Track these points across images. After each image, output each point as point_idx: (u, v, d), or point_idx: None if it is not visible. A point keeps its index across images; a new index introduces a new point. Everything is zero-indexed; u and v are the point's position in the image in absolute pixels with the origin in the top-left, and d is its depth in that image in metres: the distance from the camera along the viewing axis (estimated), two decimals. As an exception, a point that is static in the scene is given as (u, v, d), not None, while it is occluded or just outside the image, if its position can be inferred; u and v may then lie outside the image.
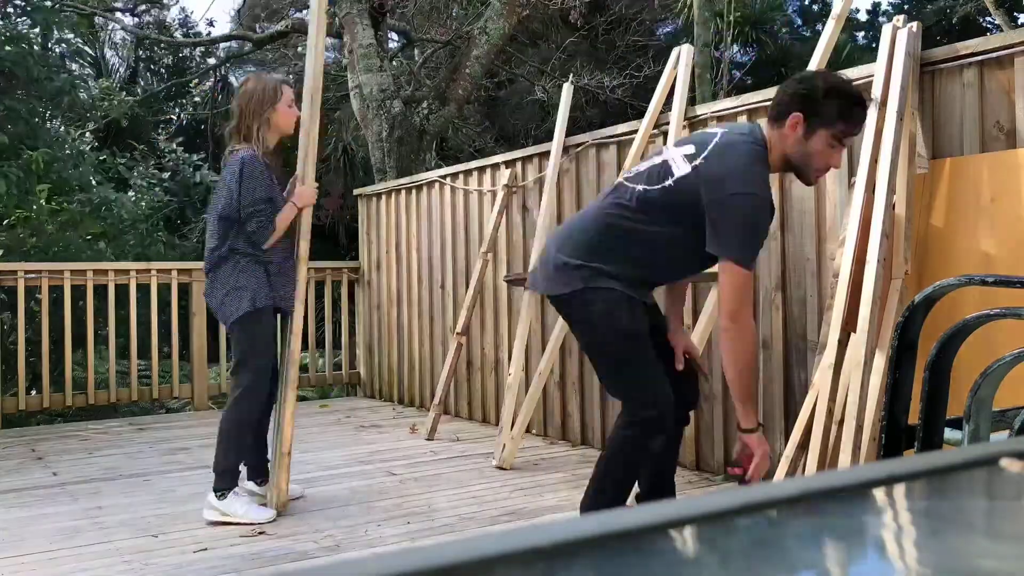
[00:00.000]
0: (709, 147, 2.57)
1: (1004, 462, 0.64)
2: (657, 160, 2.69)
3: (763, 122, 2.68)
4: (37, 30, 7.94)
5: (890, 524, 0.57)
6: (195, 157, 9.54)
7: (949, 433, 1.73)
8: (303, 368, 7.42)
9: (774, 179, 3.45)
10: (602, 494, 2.77)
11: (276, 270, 3.52)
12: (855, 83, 3.44)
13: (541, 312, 5.08)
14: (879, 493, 0.60)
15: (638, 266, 2.67)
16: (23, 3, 7.37)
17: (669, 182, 2.58)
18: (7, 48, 7.02)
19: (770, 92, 3.78)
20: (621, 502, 2.78)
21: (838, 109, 2.51)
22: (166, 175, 9.16)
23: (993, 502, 0.62)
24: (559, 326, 4.46)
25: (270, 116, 3.50)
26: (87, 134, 9.74)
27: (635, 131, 4.42)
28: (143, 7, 13.47)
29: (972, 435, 1.60)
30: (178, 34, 14.18)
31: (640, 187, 2.65)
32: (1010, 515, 0.59)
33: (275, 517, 3.43)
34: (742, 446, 2.67)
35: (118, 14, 13.33)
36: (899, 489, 0.61)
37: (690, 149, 2.61)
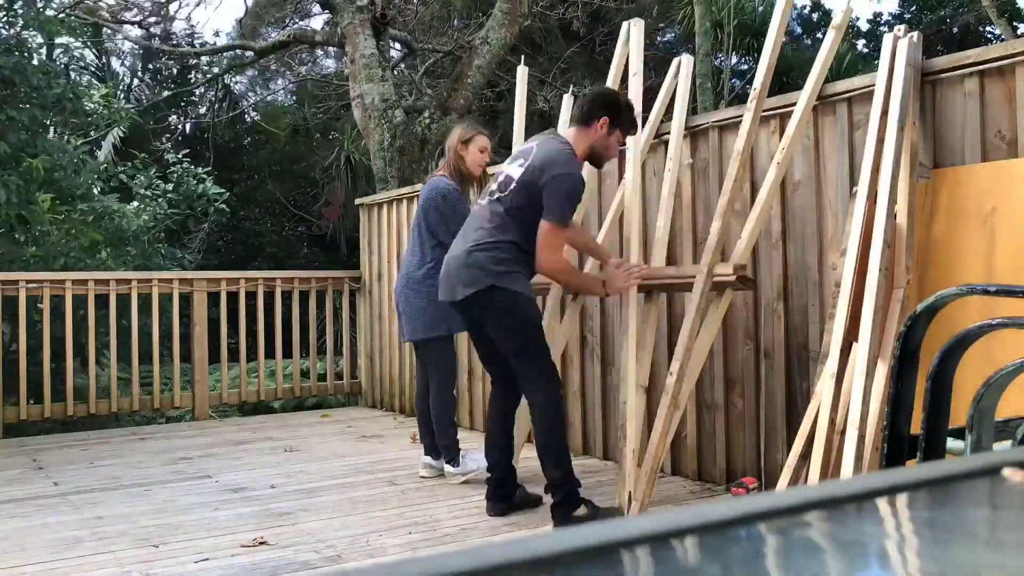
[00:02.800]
0: (532, 154, 3.43)
1: (1006, 472, 0.64)
2: (500, 177, 3.51)
3: (572, 129, 3.52)
4: (39, 39, 7.98)
5: (892, 534, 0.57)
6: (200, 170, 9.56)
7: (951, 443, 1.72)
8: (303, 376, 7.42)
9: (776, 195, 3.52)
10: (552, 451, 3.45)
11: None
12: (856, 93, 3.47)
13: (542, 322, 5.07)
14: (881, 503, 0.60)
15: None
16: (24, 11, 7.39)
17: (513, 185, 3.41)
18: (7, 57, 7.04)
19: (772, 101, 3.80)
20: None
21: (630, 118, 3.54)
22: (169, 186, 9.17)
23: (996, 512, 0.62)
24: (560, 336, 4.46)
25: (463, 156, 4.25)
26: (92, 145, 9.77)
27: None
28: (152, 19, 13.53)
29: (974, 445, 1.59)
30: (183, 44, 14.22)
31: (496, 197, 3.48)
32: (1012, 525, 0.58)
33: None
34: (613, 283, 3.62)
35: (125, 26, 13.39)
36: (901, 499, 0.61)
37: (520, 161, 3.46)
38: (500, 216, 3.41)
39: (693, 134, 4.20)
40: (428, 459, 4.36)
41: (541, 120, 11.79)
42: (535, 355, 3.48)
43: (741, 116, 3.93)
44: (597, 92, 3.62)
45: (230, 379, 7.49)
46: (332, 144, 13.85)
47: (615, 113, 3.46)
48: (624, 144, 3.65)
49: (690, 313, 3.58)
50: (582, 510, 3.40)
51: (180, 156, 9.58)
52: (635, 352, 3.71)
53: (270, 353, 7.16)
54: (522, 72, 4.96)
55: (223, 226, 12.44)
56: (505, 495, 3.67)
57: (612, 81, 4.47)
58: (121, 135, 11.04)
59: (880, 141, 3.14)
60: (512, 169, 3.47)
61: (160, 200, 8.91)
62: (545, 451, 3.45)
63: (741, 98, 12.03)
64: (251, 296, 6.78)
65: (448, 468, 4.22)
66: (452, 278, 3.46)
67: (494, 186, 3.53)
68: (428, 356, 4.31)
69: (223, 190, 9.39)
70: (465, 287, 3.40)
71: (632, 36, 4.35)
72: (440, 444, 4.24)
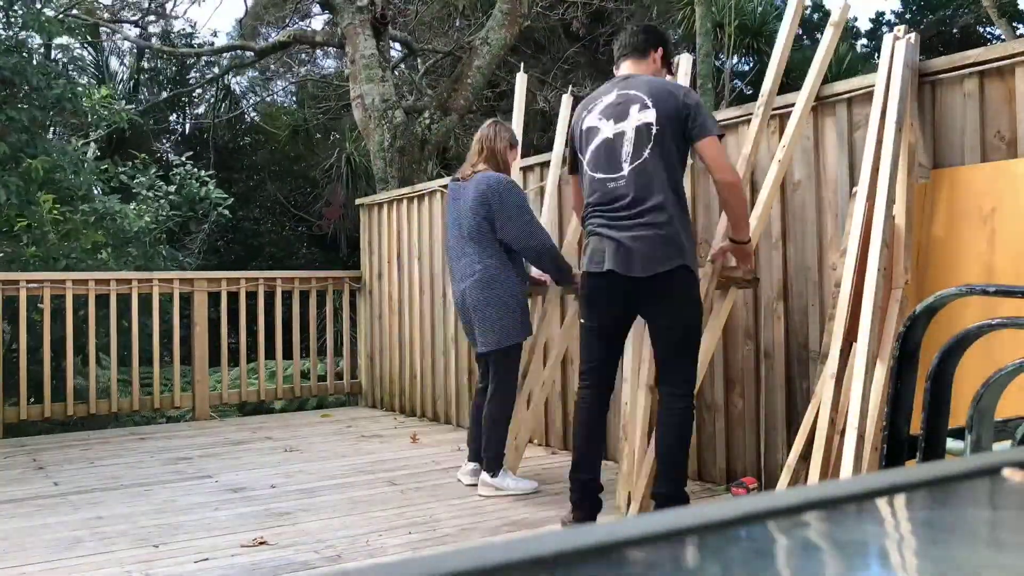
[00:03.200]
0: (645, 92, 3.14)
1: (1006, 472, 0.64)
2: (629, 132, 3.13)
3: (629, 62, 3.34)
4: (38, 40, 7.98)
5: (892, 534, 0.57)
6: (203, 173, 9.56)
7: (951, 443, 1.73)
8: (304, 376, 7.43)
9: (776, 192, 3.52)
10: (680, 467, 3.20)
11: None
12: (856, 93, 3.47)
13: (543, 322, 5.07)
14: (881, 503, 0.60)
15: None
16: (24, 12, 7.39)
17: (655, 129, 3.09)
18: (7, 57, 7.04)
19: (775, 101, 3.80)
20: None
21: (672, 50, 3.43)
22: (172, 188, 9.17)
23: (995, 512, 0.62)
24: (561, 336, 4.46)
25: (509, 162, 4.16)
26: (91, 143, 9.76)
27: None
28: (150, 19, 13.53)
29: (974, 445, 1.59)
30: (181, 44, 14.22)
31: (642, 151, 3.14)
32: (1012, 525, 0.58)
33: (537, 487, 4.04)
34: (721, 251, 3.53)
35: (124, 26, 13.39)
36: (901, 499, 0.61)
37: (636, 107, 3.13)
38: (661, 172, 3.05)
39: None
40: (475, 465, 4.18)
41: (542, 119, 11.78)
42: (695, 351, 3.25)
43: (741, 116, 3.93)
44: (645, 26, 3.50)
45: (230, 379, 7.49)
46: (332, 144, 13.84)
47: (664, 43, 3.37)
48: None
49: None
50: None
51: (184, 158, 9.57)
52: (637, 352, 3.71)
53: (270, 353, 7.16)
54: (521, 79, 4.95)
55: (223, 226, 12.44)
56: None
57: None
58: (114, 135, 11.03)
59: (879, 142, 3.14)
60: (633, 120, 3.11)
61: (162, 201, 8.90)
62: (673, 464, 3.20)
63: (741, 99, 12.04)
64: (251, 296, 6.78)
65: (486, 477, 4.00)
66: (645, 248, 3.04)
67: (628, 147, 3.10)
68: (499, 363, 4.02)
69: (226, 195, 9.38)
70: (662, 263, 3.03)
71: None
72: (489, 454, 4.00)
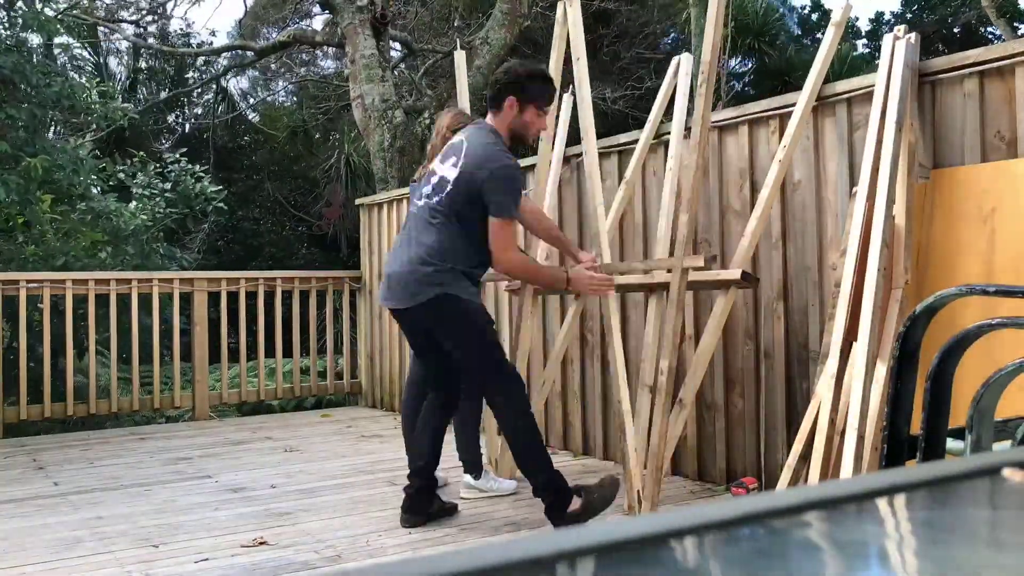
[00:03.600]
0: (463, 151, 3.33)
1: (1006, 472, 0.64)
2: (434, 179, 3.39)
3: (490, 116, 3.43)
4: (38, 39, 7.97)
5: (892, 534, 0.57)
6: (198, 168, 9.56)
7: (951, 443, 1.73)
8: (303, 376, 7.42)
9: (776, 192, 3.52)
10: (540, 454, 3.38)
11: None
12: (856, 93, 3.47)
13: (543, 322, 5.08)
14: (881, 503, 0.60)
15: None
16: (24, 11, 7.39)
17: (449, 187, 3.31)
18: (6, 56, 7.04)
19: (774, 101, 3.80)
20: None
21: (539, 88, 3.41)
22: (168, 185, 9.17)
23: (995, 512, 0.62)
24: (561, 336, 4.46)
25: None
26: (88, 143, 9.76)
27: (636, 141, 4.42)
28: (149, 18, 13.53)
29: (974, 445, 1.59)
30: (180, 44, 14.22)
31: (432, 200, 3.37)
32: (1012, 525, 0.58)
33: (516, 488, 3.99)
34: (577, 284, 3.54)
35: (123, 25, 13.38)
36: (901, 499, 0.61)
37: (452, 160, 3.35)
38: (439, 220, 3.32)
39: (692, 134, 4.19)
40: (468, 478, 4.00)
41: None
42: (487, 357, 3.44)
43: (740, 116, 3.93)
44: (499, 71, 3.52)
45: (230, 379, 7.49)
46: (332, 145, 13.84)
47: (517, 90, 3.37)
48: (545, 113, 3.48)
49: (671, 310, 3.57)
50: (576, 503, 3.31)
51: (178, 155, 9.57)
52: (621, 350, 3.75)
53: (270, 353, 7.16)
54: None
55: (223, 226, 12.45)
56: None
57: (554, 66, 4.43)
58: (113, 134, 11.03)
59: (879, 142, 3.14)
60: (446, 170, 3.37)
61: (158, 199, 8.90)
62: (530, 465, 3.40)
63: (740, 99, 12.02)
64: (251, 296, 6.78)
65: (469, 479, 3.98)
66: (398, 288, 3.38)
67: (428, 187, 3.42)
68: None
69: (220, 187, 9.37)
70: (412, 297, 3.32)
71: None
72: (472, 458, 3.98)
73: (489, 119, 3.44)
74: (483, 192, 3.24)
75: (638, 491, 3.53)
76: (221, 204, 9.33)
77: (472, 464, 3.96)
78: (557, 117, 4.75)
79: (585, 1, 11.23)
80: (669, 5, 12.45)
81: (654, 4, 12.33)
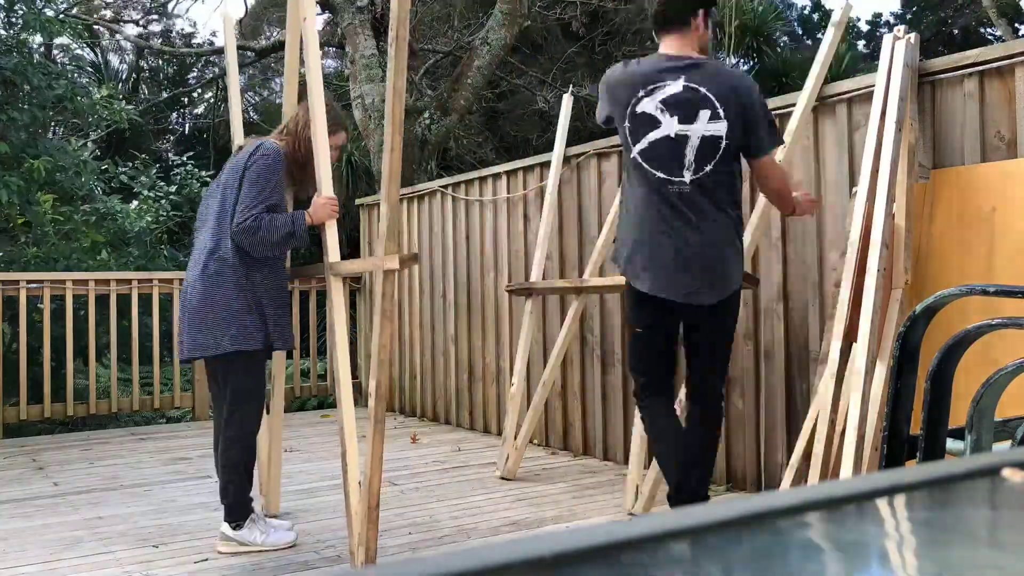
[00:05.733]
0: (701, 92, 2.83)
1: (1006, 472, 0.64)
2: (696, 137, 2.83)
3: (673, 38, 2.96)
4: (39, 39, 7.97)
5: (892, 535, 0.57)
6: (204, 173, 9.56)
7: (951, 443, 1.73)
8: (303, 377, 7.42)
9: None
10: (713, 453, 3.10)
11: None
12: (856, 94, 3.47)
13: (543, 322, 5.08)
14: (881, 504, 0.60)
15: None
16: (24, 12, 7.39)
17: (724, 144, 2.83)
18: (7, 57, 7.04)
19: (774, 101, 3.79)
20: None
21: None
22: (172, 188, 9.17)
23: (995, 513, 0.62)
24: (561, 336, 4.46)
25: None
26: (89, 143, 9.76)
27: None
28: (151, 18, 13.53)
29: (974, 445, 1.60)
30: (181, 44, 14.22)
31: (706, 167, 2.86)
32: (1012, 526, 0.58)
33: (295, 540, 3.28)
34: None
35: (124, 25, 13.39)
36: (901, 499, 0.61)
37: (706, 111, 2.83)
38: (724, 184, 2.85)
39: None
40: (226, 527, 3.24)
41: (541, 120, 11.79)
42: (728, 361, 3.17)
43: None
44: None
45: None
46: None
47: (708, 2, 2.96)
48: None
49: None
50: None
51: (184, 158, 9.57)
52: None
53: (270, 353, 7.14)
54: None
55: (223, 226, 12.40)
56: None
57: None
58: (114, 135, 11.02)
59: (879, 142, 3.14)
60: (700, 124, 2.82)
61: (163, 201, 8.91)
62: (709, 463, 3.11)
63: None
64: (251, 296, 6.77)
65: (226, 529, 3.22)
66: (707, 271, 2.85)
67: (691, 155, 2.82)
68: (230, 376, 3.25)
69: None
70: (724, 288, 2.90)
71: None
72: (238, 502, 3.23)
73: (671, 45, 2.94)
74: (756, 126, 2.87)
75: (637, 485, 3.55)
76: None
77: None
78: (557, 116, 4.75)
79: (583, 0, 11.25)
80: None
81: (651, 4, 12.33)
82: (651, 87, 2.87)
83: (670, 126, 2.83)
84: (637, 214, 2.90)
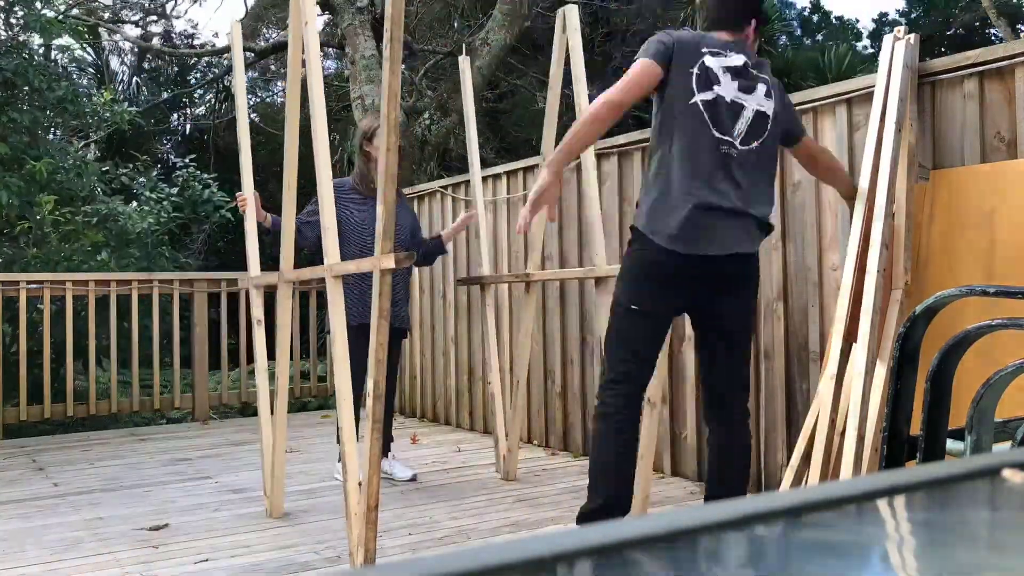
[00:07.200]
0: (763, 75, 2.87)
1: (1006, 473, 0.64)
2: (748, 112, 2.81)
3: (724, 35, 2.91)
4: (39, 40, 7.97)
5: (892, 535, 0.57)
6: (205, 175, 9.56)
7: (951, 444, 1.73)
8: (304, 377, 7.42)
9: (776, 190, 3.51)
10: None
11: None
12: (856, 94, 3.47)
13: (543, 321, 5.07)
14: (881, 504, 0.60)
15: None
16: (24, 13, 7.39)
17: (770, 127, 2.85)
18: (8, 59, 7.04)
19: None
20: None
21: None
22: (174, 190, 9.17)
23: (995, 513, 0.62)
24: (561, 336, 4.46)
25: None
26: (91, 144, 9.76)
27: (635, 142, 4.43)
28: (151, 19, 13.53)
29: (974, 446, 1.59)
30: (182, 45, 14.23)
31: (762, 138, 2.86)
32: (1012, 526, 0.58)
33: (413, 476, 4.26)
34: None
35: (125, 26, 13.39)
36: (901, 500, 0.61)
37: (762, 88, 2.85)
38: (765, 166, 2.86)
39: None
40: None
41: (542, 121, 11.78)
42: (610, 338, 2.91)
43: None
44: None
45: (230, 380, 7.49)
46: (332, 145, 13.84)
47: (758, 8, 2.99)
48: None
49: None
50: None
51: (187, 160, 9.57)
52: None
53: (271, 354, 7.14)
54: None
55: (223, 227, 12.43)
56: None
57: (554, 70, 4.38)
58: (115, 136, 11.02)
59: (879, 142, 3.14)
60: (755, 98, 2.83)
61: (164, 203, 8.91)
62: (746, 482, 2.98)
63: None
64: (251, 297, 6.78)
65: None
66: (743, 228, 2.79)
67: (742, 126, 2.80)
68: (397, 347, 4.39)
69: (229, 199, 9.38)
70: (756, 242, 2.87)
71: (568, 23, 4.15)
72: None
73: (724, 39, 2.92)
74: (796, 115, 3.08)
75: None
76: (227, 214, 9.33)
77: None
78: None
79: (584, 1, 11.25)
80: (668, 4, 12.44)
81: (651, 3, 12.32)
82: (716, 51, 2.83)
83: (730, 89, 2.79)
84: (677, 163, 2.74)
